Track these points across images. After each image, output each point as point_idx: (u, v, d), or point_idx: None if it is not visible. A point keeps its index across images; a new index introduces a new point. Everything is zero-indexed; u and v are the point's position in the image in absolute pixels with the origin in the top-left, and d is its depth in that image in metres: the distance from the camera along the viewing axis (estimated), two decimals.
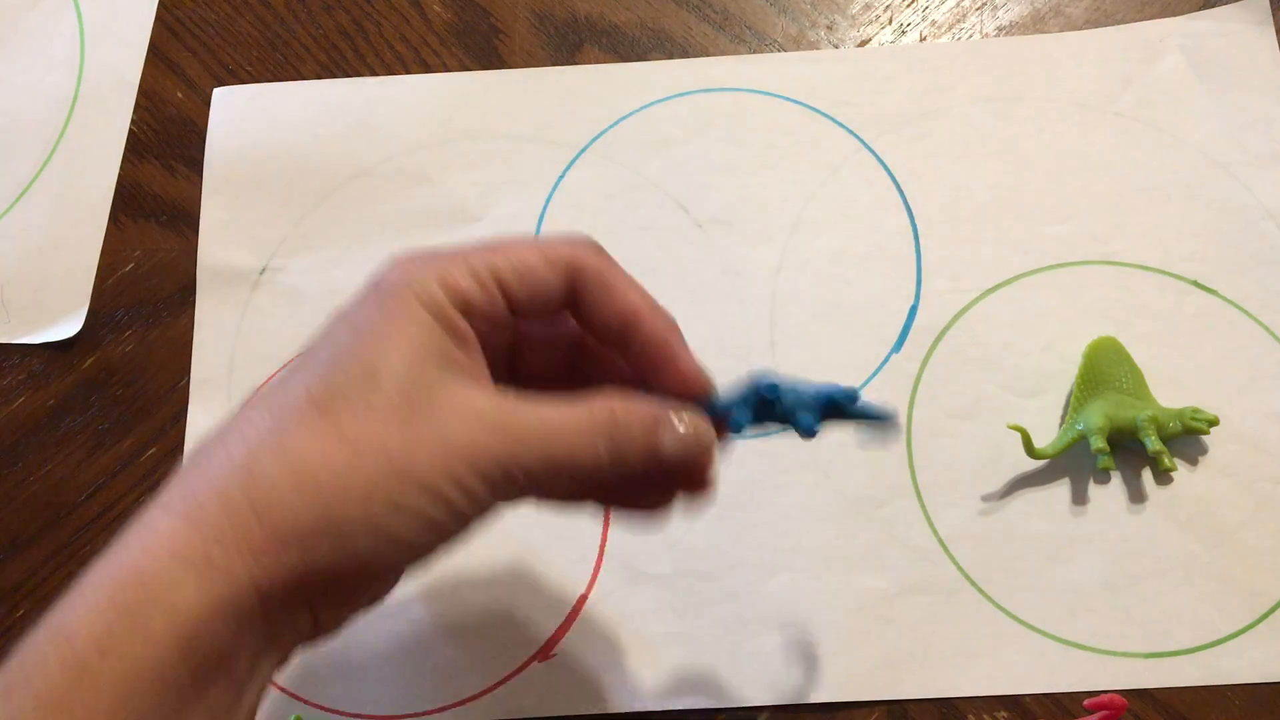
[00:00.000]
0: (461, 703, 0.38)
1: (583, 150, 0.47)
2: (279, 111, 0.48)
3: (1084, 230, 0.43)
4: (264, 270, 0.45)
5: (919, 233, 0.44)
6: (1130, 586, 0.38)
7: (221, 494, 0.24)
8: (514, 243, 0.28)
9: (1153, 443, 0.38)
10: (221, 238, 0.46)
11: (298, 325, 0.44)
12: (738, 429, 0.29)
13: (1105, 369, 0.40)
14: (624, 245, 0.44)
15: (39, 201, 0.47)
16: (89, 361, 0.44)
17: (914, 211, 0.44)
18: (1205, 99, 0.45)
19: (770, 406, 0.29)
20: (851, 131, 0.46)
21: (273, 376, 0.42)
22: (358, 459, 0.24)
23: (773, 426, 0.30)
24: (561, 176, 0.46)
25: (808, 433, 0.29)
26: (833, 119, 0.46)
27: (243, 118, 0.48)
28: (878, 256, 0.44)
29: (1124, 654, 0.37)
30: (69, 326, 0.45)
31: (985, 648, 0.37)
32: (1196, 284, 0.42)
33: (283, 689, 0.38)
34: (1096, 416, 0.38)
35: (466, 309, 0.27)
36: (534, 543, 0.40)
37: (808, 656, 0.38)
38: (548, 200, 0.46)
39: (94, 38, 0.51)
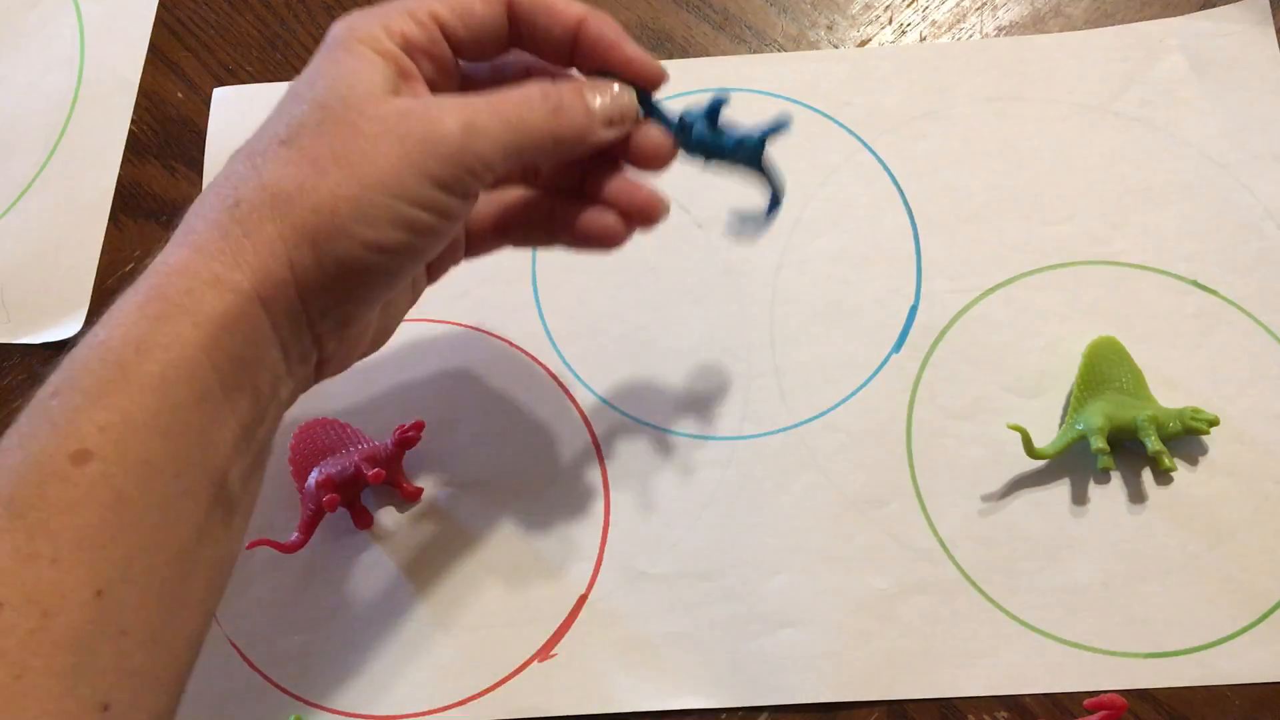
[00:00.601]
0: (461, 703, 0.38)
1: None
2: None
3: (1084, 230, 0.43)
4: None
5: (919, 232, 0.44)
6: (1130, 586, 0.38)
7: (217, 225, 0.27)
8: None
9: (1153, 443, 0.38)
10: None
11: None
12: (689, 131, 0.34)
13: (1105, 369, 0.40)
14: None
15: (39, 201, 0.47)
16: None
17: (914, 211, 0.44)
18: (1205, 99, 0.45)
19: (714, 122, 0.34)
20: (851, 131, 0.46)
21: None
22: (320, 174, 0.27)
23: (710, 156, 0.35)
24: None
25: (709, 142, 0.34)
26: (833, 119, 0.46)
27: (243, 118, 0.48)
28: (878, 256, 0.44)
29: (1124, 654, 0.37)
30: (69, 326, 0.45)
31: (985, 648, 0.37)
32: (1196, 284, 0.42)
33: (283, 689, 0.38)
34: (1096, 416, 0.38)
35: (408, 48, 0.30)
36: (534, 543, 0.40)
37: (808, 656, 0.38)
38: None
39: (94, 38, 0.51)
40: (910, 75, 0.47)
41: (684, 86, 0.47)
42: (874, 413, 0.41)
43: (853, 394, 0.41)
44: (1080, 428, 0.39)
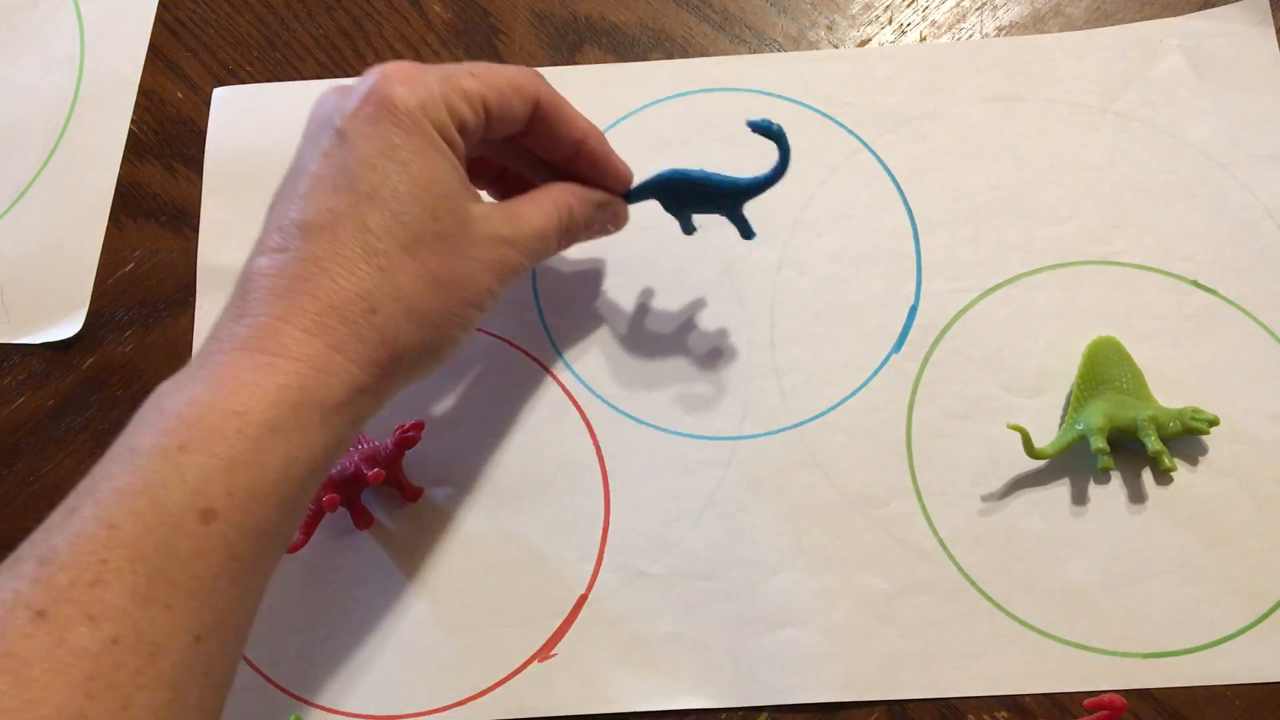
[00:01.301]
0: (461, 702, 0.38)
1: None
2: (279, 111, 0.48)
3: (1084, 230, 0.43)
4: None
5: (919, 232, 0.44)
6: (1130, 586, 0.38)
7: (350, 322, 0.30)
8: (488, 70, 0.34)
9: (1153, 443, 0.38)
10: (221, 238, 0.46)
11: None
12: (630, 198, 0.40)
13: (1105, 369, 0.40)
14: (624, 245, 0.44)
15: (39, 201, 0.47)
16: (89, 361, 0.44)
17: (914, 211, 0.44)
18: (1205, 99, 0.45)
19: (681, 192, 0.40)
20: (851, 131, 0.46)
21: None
22: (444, 294, 0.32)
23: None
24: None
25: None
26: (833, 119, 0.46)
27: (243, 118, 0.48)
28: (877, 256, 0.44)
29: (1124, 654, 0.37)
30: (69, 326, 0.45)
31: (985, 648, 0.37)
32: (1196, 284, 0.42)
33: (283, 689, 0.38)
34: (1096, 416, 0.38)
35: (464, 133, 0.33)
36: (534, 542, 0.40)
37: (807, 656, 0.38)
38: None
39: (94, 38, 0.50)
40: (910, 75, 0.47)
41: (684, 86, 0.47)
42: (874, 413, 0.41)
43: (853, 394, 0.42)
44: (1080, 427, 0.39)
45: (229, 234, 0.46)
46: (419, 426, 0.40)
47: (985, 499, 0.40)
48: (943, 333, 0.42)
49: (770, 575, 0.39)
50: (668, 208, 0.41)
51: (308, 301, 0.30)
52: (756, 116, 0.37)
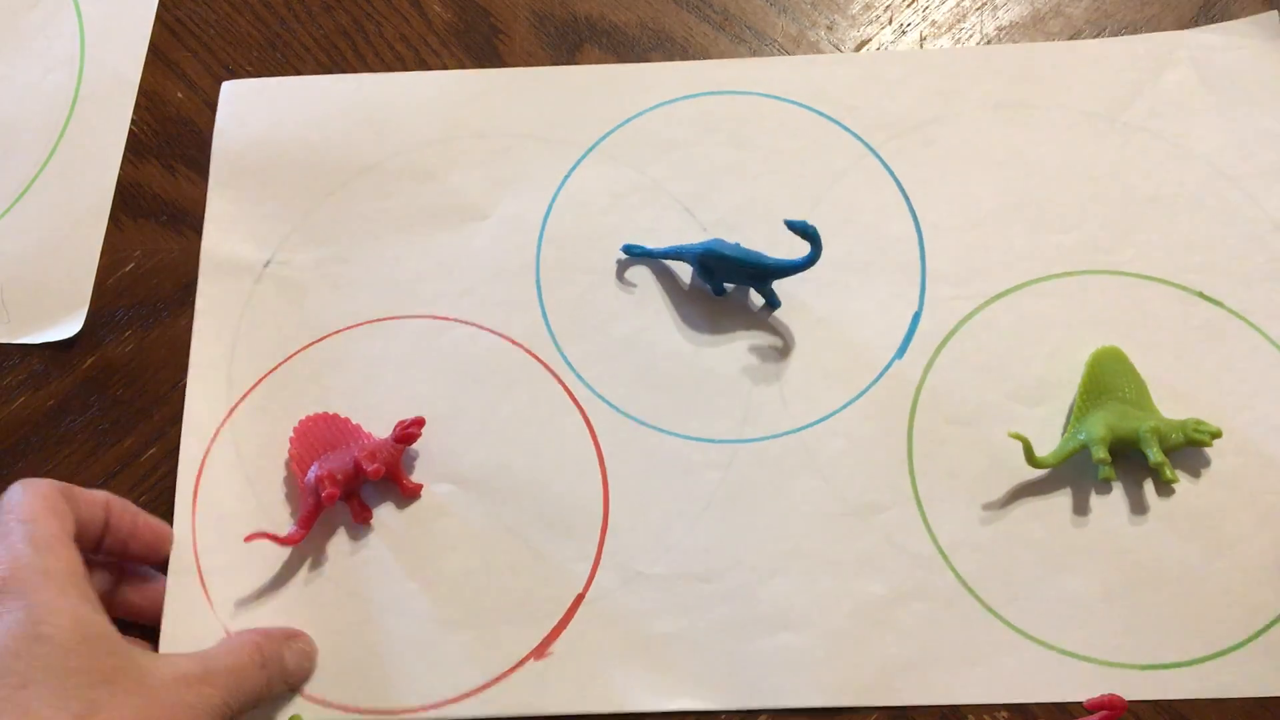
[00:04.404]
0: (457, 699, 0.39)
1: (589, 150, 0.48)
2: (287, 105, 0.50)
3: (1090, 239, 0.45)
4: (268, 264, 0.47)
5: (924, 239, 0.46)
6: (1130, 598, 0.39)
7: None
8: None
9: (1155, 454, 0.39)
10: (227, 230, 0.48)
11: (299, 320, 0.46)
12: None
13: (1108, 379, 0.41)
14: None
15: (39, 201, 0.49)
16: (89, 361, 0.46)
17: (919, 217, 0.46)
18: (1214, 111, 0.47)
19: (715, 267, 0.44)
20: (858, 136, 0.48)
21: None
22: None
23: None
24: (568, 176, 0.48)
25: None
26: (839, 123, 0.48)
27: (251, 111, 0.50)
28: (882, 262, 0.45)
29: (1122, 665, 0.39)
30: (69, 326, 0.47)
31: (983, 656, 0.39)
32: (1202, 295, 0.44)
33: None
34: (1098, 426, 0.40)
35: (83, 550, 0.36)
36: (532, 541, 0.41)
37: (804, 661, 0.39)
38: (553, 199, 0.48)
39: (94, 38, 0.53)
40: (919, 80, 0.49)
41: (691, 89, 0.49)
42: (875, 418, 0.43)
43: (854, 399, 0.43)
44: (1082, 437, 0.40)
45: (234, 226, 0.48)
46: (419, 423, 0.42)
47: (986, 507, 0.41)
48: (946, 339, 0.44)
49: (768, 578, 0.40)
50: (702, 274, 0.45)
51: None
52: (794, 218, 0.41)
